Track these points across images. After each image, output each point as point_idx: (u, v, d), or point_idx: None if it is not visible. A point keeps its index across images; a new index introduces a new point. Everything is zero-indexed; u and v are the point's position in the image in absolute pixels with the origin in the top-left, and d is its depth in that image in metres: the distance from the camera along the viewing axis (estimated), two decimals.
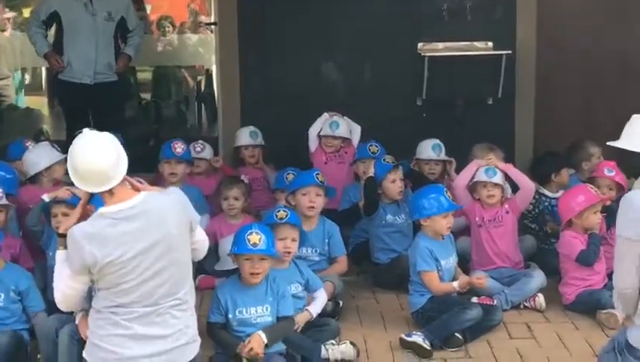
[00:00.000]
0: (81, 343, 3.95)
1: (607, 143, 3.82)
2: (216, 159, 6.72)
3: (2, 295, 4.65)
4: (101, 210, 3.59)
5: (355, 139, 6.68)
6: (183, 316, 3.66)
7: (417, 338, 4.78)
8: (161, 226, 3.58)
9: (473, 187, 5.61)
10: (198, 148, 6.51)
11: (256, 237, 4.49)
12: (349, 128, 6.65)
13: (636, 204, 3.29)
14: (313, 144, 6.66)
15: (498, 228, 5.54)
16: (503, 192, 5.57)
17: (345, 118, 6.68)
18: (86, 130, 3.65)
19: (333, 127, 6.59)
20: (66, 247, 3.64)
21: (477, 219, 5.57)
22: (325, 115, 6.67)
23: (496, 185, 5.53)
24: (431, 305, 4.99)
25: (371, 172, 5.76)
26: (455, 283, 5.03)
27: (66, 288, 3.64)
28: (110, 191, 3.57)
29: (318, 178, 5.51)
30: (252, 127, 6.80)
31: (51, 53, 7.01)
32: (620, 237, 3.36)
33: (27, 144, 6.06)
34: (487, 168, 5.58)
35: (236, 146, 6.82)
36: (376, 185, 5.72)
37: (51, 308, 4.74)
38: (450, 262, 5.10)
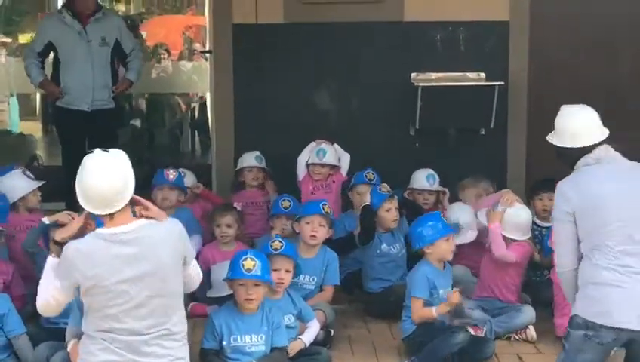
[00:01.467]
0: None
1: (547, 138, 4.17)
2: (197, 185, 6.71)
3: None
4: (98, 230, 3.63)
5: (344, 167, 6.65)
6: (173, 346, 3.65)
7: None
8: (155, 255, 3.59)
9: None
10: (181, 175, 6.51)
11: (250, 263, 4.51)
12: (337, 156, 6.64)
13: (558, 190, 3.94)
14: (301, 172, 6.66)
15: (497, 263, 5.47)
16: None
17: (335, 145, 6.68)
18: (97, 151, 3.65)
19: (320, 155, 6.58)
20: (59, 256, 3.67)
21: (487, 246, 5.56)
22: (313, 144, 6.67)
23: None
24: (420, 331, 4.98)
25: (367, 200, 5.78)
26: (434, 309, 4.97)
27: (50, 298, 3.67)
28: (110, 215, 3.59)
29: (324, 208, 5.54)
30: (257, 152, 6.82)
31: (46, 82, 7.03)
32: (554, 220, 3.93)
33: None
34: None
35: (238, 169, 6.83)
36: (372, 214, 5.74)
37: (44, 334, 4.75)
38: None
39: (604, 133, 4.06)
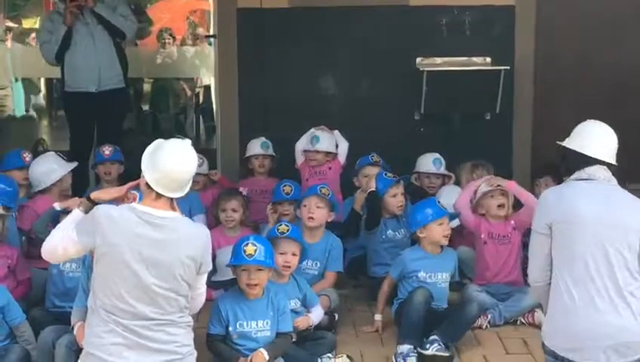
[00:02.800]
0: (79, 354, 3.95)
1: (557, 143, 3.98)
2: (214, 172, 6.72)
3: None
4: (135, 204, 3.69)
5: (342, 155, 6.59)
6: (178, 333, 3.67)
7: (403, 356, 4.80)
8: (176, 250, 3.61)
9: (478, 203, 5.55)
10: (198, 163, 6.50)
11: (252, 248, 4.50)
12: (334, 143, 6.58)
13: (541, 199, 3.85)
14: (299, 158, 6.65)
15: (505, 245, 5.48)
16: (509, 203, 5.51)
17: (335, 132, 6.62)
18: (175, 138, 3.80)
19: (314, 142, 6.55)
20: (86, 212, 3.73)
21: (483, 235, 5.51)
22: (312, 130, 6.64)
23: (503, 193, 5.49)
24: (395, 313, 5.12)
25: (373, 186, 5.77)
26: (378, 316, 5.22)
27: (60, 247, 3.69)
28: (159, 196, 3.63)
29: (321, 190, 5.53)
30: (263, 138, 6.78)
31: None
32: (534, 232, 3.80)
33: (24, 155, 6.04)
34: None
35: (246, 156, 6.82)
36: (378, 200, 5.73)
37: (50, 318, 4.76)
38: (438, 277, 5.12)
39: (611, 157, 3.83)
